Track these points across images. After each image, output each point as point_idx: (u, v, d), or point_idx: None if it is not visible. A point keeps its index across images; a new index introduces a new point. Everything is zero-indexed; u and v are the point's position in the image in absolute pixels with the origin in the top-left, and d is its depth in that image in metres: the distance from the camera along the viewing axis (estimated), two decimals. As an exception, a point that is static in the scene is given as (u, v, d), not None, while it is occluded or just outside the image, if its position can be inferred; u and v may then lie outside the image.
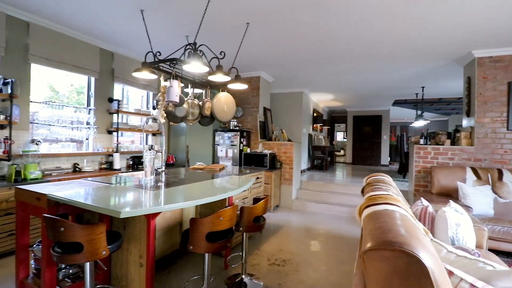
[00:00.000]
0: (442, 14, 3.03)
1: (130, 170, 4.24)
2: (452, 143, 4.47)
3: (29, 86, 3.41)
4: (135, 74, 2.89)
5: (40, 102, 3.55)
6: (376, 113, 10.85)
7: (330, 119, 12.75)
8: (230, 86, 3.42)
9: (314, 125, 8.87)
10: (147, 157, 2.34)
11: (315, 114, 8.87)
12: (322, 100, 9.26)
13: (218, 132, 5.51)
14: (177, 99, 2.80)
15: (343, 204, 5.16)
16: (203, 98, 3.48)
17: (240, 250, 3.00)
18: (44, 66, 3.53)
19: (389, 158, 10.85)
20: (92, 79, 4.18)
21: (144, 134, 5.31)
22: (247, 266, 2.54)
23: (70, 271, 2.05)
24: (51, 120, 3.65)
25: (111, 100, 4.41)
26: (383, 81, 6.35)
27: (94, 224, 1.53)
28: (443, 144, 4.39)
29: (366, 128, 11.00)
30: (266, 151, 5.16)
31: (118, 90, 4.74)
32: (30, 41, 3.37)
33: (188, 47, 2.86)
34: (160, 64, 2.99)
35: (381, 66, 5.12)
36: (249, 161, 5.21)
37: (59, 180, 3.19)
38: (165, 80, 2.95)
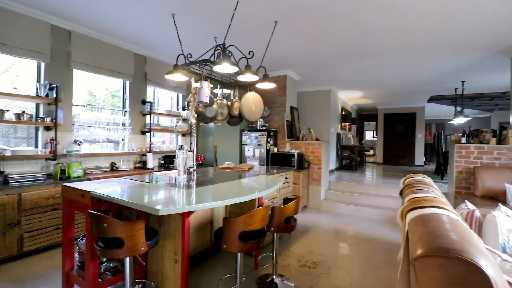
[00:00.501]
0: None
1: (162, 169, 4.39)
2: (498, 142, 4.10)
3: (71, 90, 3.65)
4: (167, 77, 2.99)
5: (81, 105, 3.79)
6: (409, 110, 10.31)
7: (359, 118, 12.33)
8: (258, 85, 3.41)
9: (343, 124, 8.62)
10: (180, 157, 2.40)
11: (343, 113, 8.61)
12: (350, 98, 8.97)
13: (245, 132, 5.54)
14: (207, 100, 2.85)
15: (374, 206, 4.96)
16: (232, 98, 3.50)
17: (270, 250, 2.99)
18: (84, 72, 3.77)
19: (424, 158, 10.25)
20: (127, 82, 4.40)
21: (175, 134, 5.48)
22: (277, 267, 2.52)
23: (111, 264, 2.16)
24: (90, 122, 3.89)
25: (144, 102, 4.60)
26: (419, 76, 6.01)
27: (134, 221, 1.59)
28: (488, 143, 4.04)
29: (399, 127, 10.48)
30: (294, 151, 5.10)
31: (149, 93, 4.94)
32: (72, 49, 3.61)
33: (217, 48, 2.90)
34: (190, 66, 3.06)
35: (416, 59, 4.84)
36: (276, 161, 5.18)
37: (99, 178, 3.38)
38: (196, 82, 3.01)
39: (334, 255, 3.13)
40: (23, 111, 3.06)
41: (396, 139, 10.51)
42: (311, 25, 3.47)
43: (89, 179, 3.28)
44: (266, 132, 5.31)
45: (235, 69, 2.71)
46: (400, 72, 5.69)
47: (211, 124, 5.58)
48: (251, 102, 3.59)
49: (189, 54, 2.90)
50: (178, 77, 3.03)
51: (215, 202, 1.73)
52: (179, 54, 3.01)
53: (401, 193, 1.99)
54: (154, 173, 3.12)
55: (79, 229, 3.13)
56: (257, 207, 2.77)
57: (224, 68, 2.71)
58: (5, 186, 2.64)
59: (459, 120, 7.10)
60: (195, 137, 2.78)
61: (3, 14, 2.99)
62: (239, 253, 1.94)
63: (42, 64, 3.38)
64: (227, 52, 2.77)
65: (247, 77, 3.05)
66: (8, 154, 2.96)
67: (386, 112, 10.64)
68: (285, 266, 2.81)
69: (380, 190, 5.31)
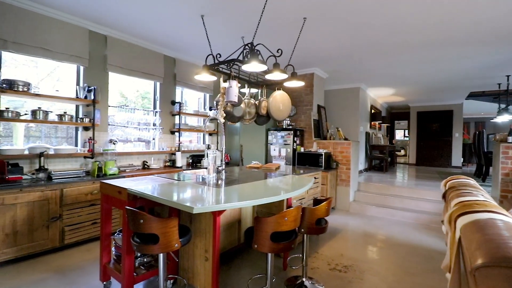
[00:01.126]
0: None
1: (190, 168, 4.49)
2: (553, 141, 3.70)
3: (107, 92, 3.84)
4: (197, 77, 3.04)
5: (115, 106, 3.98)
6: (445, 108, 9.69)
7: (389, 116, 11.80)
8: (287, 84, 3.36)
9: (372, 123, 8.29)
10: (210, 156, 2.43)
11: (372, 111, 8.28)
12: (380, 96, 8.61)
13: (271, 131, 5.50)
14: (236, 99, 2.85)
15: (408, 209, 4.70)
16: (259, 97, 3.49)
17: (299, 252, 2.93)
18: (118, 74, 3.95)
19: (461, 159, 9.58)
20: (158, 83, 4.55)
21: (202, 134, 5.59)
22: (307, 269, 2.46)
23: (145, 259, 2.24)
24: (123, 122, 4.07)
25: (173, 102, 4.73)
26: (457, 71, 5.61)
27: (168, 218, 1.62)
28: (540, 142, 3.66)
29: (433, 125, 9.90)
30: (321, 151, 4.98)
31: (177, 94, 5.07)
32: (108, 52, 3.79)
33: (245, 47, 2.90)
34: (219, 66, 3.09)
35: (454, 53, 4.52)
36: (303, 161, 5.09)
37: (132, 176, 3.53)
38: (224, 82, 3.03)
39: (366, 259, 3.00)
40: (65, 112, 3.27)
41: (431, 138, 9.92)
42: (342, 19, 3.36)
43: (124, 177, 3.43)
44: (292, 132, 5.23)
45: (263, 67, 2.69)
46: (436, 67, 5.35)
47: (237, 124, 5.61)
48: (279, 101, 3.55)
49: (218, 54, 2.92)
50: (207, 77, 3.06)
51: (246, 202, 1.72)
52: (208, 55, 3.05)
53: (443, 196, 1.85)
54: (184, 171, 3.18)
55: (115, 224, 3.28)
56: (286, 207, 2.73)
57: (252, 67, 2.70)
58: (49, 182, 2.83)
59: (503, 118, 6.54)
60: (223, 137, 2.80)
61: (47, 22, 3.21)
62: (269, 254, 1.91)
63: (81, 68, 3.59)
64: (255, 51, 2.76)
65: (276, 76, 3.02)
66: (51, 152, 3.17)
67: (420, 110, 10.08)
68: (315, 268, 2.74)
69: (414, 193, 5.02)
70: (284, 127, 5.50)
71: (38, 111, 3.04)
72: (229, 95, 2.84)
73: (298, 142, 5.39)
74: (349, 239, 3.61)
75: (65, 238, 2.91)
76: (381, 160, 7.65)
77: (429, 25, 3.44)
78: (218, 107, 2.94)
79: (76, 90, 3.46)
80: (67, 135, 3.67)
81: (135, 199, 1.97)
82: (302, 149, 5.31)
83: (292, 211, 1.74)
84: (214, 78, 3.08)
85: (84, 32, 3.55)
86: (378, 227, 4.13)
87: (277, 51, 3.04)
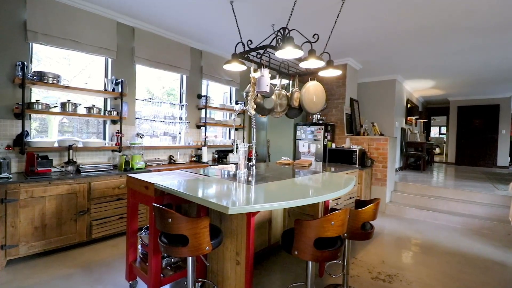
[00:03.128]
0: None
1: (216, 163, 4.34)
2: None
3: (135, 85, 3.78)
4: (225, 66, 2.84)
5: (143, 100, 3.91)
6: (490, 102, 8.82)
7: (425, 111, 10.99)
8: (322, 73, 3.07)
9: (408, 118, 7.70)
10: (240, 150, 2.23)
11: (409, 105, 7.69)
12: (417, 89, 7.97)
13: (300, 126, 5.22)
14: (267, 89, 2.63)
15: (455, 213, 4.23)
16: (292, 88, 3.23)
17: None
18: (145, 66, 3.87)
19: (509, 158, 8.67)
20: (184, 76, 4.43)
21: (228, 128, 5.43)
22: (348, 278, 2.19)
23: (172, 260, 2.09)
24: (149, 116, 3.99)
25: (199, 96, 4.60)
26: (509, 60, 4.97)
27: (199, 217, 1.44)
28: None
29: (476, 121, 9.05)
30: (355, 147, 4.62)
31: (202, 87, 4.94)
32: (135, 45, 3.72)
33: (278, 33, 2.65)
34: (249, 55, 2.88)
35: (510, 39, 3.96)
36: (334, 158, 4.77)
37: (159, 170, 3.43)
38: (255, 71, 2.81)
39: (412, 268, 2.66)
40: (93, 105, 3.22)
41: (473, 135, 9.09)
42: (383, 2, 3.00)
43: (150, 171, 3.34)
44: (323, 126, 4.92)
45: (299, 53, 2.44)
46: (487, 56, 4.77)
47: (264, 118, 5.39)
48: (312, 92, 3.28)
49: (249, 40, 2.70)
50: (236, 66, 2.86)
51: (287, 202, 1.49)
52: (238, 43, 2.84)
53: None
54: (211, 166, 3.02)
55: (141, 220, 3.20)
56: (324, 209, 2.47)
57: (287, 53, 2.45)
58: (77, 176, 2.78)
59: None
60: (254, 130, 2.59)
61: (76, 14, 3.16)
62: (310, 262, 1.67)
63: (109, 61, 3.53)
64: (289, 36, 2.50)
65: (311, 64, 2.75)
66: (80, 145, 3.14)
67: (461, 104, 9.26)
68: (355, 276, 2.46)
69: (460, 195, 4.52)
70: (313, 121, 5.20)
71: (67, 104, 3.01)
72: (261, 85, 2.62)
73: (329, 137, 5.06)
74: (389, 244, 3.27)
75: (93, 233, 2.86)
76: (418, 158, 7.08)
77: (493, 6, 2.98)
78: (248, 98, 2.73)
79: (104, 83, 3.41)
80: (97, 130, 3.65)
81: (162, 195, 1.82)
82: (333, 145, 4.98)
83: (340, 214, 1.48)
84: (243, 67, 2.87)
85: (112, 23, 3.49)
86: (420, 232, 3.74)
87: (313, 37, 2.77)
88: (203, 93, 4.73)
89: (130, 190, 2.09)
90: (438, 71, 5.89)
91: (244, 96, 2.90)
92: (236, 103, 5.26)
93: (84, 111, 3.19)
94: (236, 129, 5.36)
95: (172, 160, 4.10)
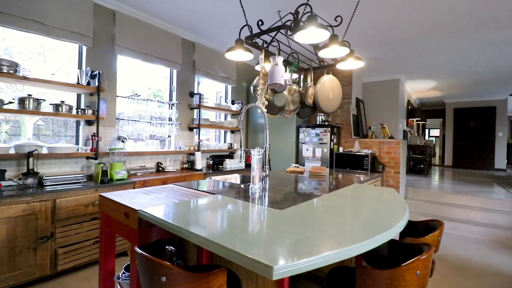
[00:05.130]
0: None
1: (211, 171, 3.78)
2: None
3: (116, 79, 3.17)
4: (228, 55, 2.31)
5: (126, 97, 3.30)
6: (487, 104, 8.70)
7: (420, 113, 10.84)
8: (341, 66, 2.60)
9: (409, 120, 7.41)
10: (255, 158, 1.70)
11: (409, 107, 7.40)
12: (416, 90, 7.71)
13: (303, 129, 4.73)
14: (282, 81, 2.12)
15: (475, 223, 3.85)
16: (307, 82, 2.74)
17: None
18: (129, 58, 3.27)
19: (506, 161, 8.55)
20: (174, 71, 3.86)
21: (222, 131, 4.88)
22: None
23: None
24: (134, 116, 3.39)
25: (192, 94, 4.04)
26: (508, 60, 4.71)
27: (211, 272, 0.89)
28: None
29: (472, 123, 8.91)
30: (366, 151, 4.19)
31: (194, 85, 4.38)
32: (117, 31, 3.12)
33: (296, 11, 2.15)
34: (256, 42, 2.36)
35: (539, 32, 3.65)
36: (342, 163, 4.32)
37: (145, 182, 2.84)
38: (265, 61, 2.29)
39: (441, 285, 2.20)
40: (62, 102, 2.60)
41: (470, 138, 8.93)
42: (414, -18, 2.58)
43: (134, 183, 2.75)
44: (329, 129, 4.45)
45: (324, 35, 1.94)
46: (497, 53, 4.47)
47: (262, 119, 4.87)
48: (328, 88, 2.80)
49: (260, 20, 2.18)
50: (241, 55, 2.33)
51: (357, 246, 0.96)
52: (243, 26, 2.32)
53: None
54: (212, 178, 2.46)
55: (121, 244, 2.60)
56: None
57: (309, 35, 1.95)
58: (39, 191, 2.16)
59: None
60: (267, 132, 2.07)
61: (40, -12, 2.55)
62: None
63: (84, 49, 2.93)
64: (312, 14, 2.01)
65: (332, 52, 2.26)
66: (44, 151, 2.51)
67: (457, 106, 9.10)
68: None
69: (477, 202, 4.16)
70: (317, 123, 4.74)
71: (27, 100, 2.38)
72: (274, 76, 2.10)
73: (335, 140, 4.61)
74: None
75: (58, 263, 2.24)
76: (420, 161, 6.77)
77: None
78: (258, 93, 2.21)
79: (78, 75, 2.79)
80: (67, 132, 3.02)
81: (150, 227, 1.26)
82: (341, 149, 4.53)
83: (427, 258, 0.98)
84: (249, 55, 2.34)
85: (88, 4, 2.88)
86: (444, 245, 3.31)
87: (335, 19, 2.29)
88: (196, 91, 4.17)
89: (104, 216, 1.52)
90: (444, 70, 5.58)
91: (252, 90, 2.38)
92: (233, 102, 4.72)
93: (50, 109, 2.57)
94: (232, 132, 4.83)
95: (160, 168, 3.50)
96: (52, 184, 2.37)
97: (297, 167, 3.07)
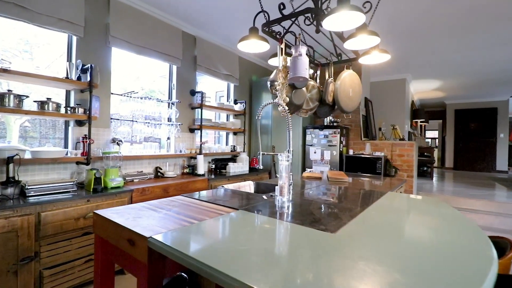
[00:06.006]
0: None
1: (213, 176, 3.48)
2: None
3: (110, 74, 2.84)
4: (241, 45, 2.03)
5: (122, 95, 2.97)
6: (488, 105, 8.62)
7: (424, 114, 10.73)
8: (365, 60, 2.35)
9: (413, 122, 7.24)
10: (283, 163, 1.41)
11: (413, 108, 7.23)
12: (419, 90, 7.55)
13: (310, 130, 4.47)
14: (307, 74, 1.84)
15: (495, 229, 3.65)
16: (327, 78, 2.46)
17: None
18: (124, 51, 2.95)
19: (507, 163, 8.48)
20: (174, 68, 3.54)
21: (224, 133, 4.58)
22: None
23: None
24: (129, 116, 3.06)
25: (193, 92, 3.72)
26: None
27: None
28: None
29: (473, 125, 8.82)
30: (379, 154, 3.95)
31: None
32: (111, 21, 2.80)
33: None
34: (272, 30, 2.08)
35: (560, 28, 3.48)
36: (352, 166, 4.07)
37: (143, 190, 2.52)
38: (285, 53, 2.01)
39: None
40: (48, 99, 2.26)
41: (471, 139, 8.84)
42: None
43: (131, 191, 2.42)
44: (339, 130, 4.20)
45: (358, 18, 1.67)
46: (499, 54, 4.32)
47: (268, 120, 4.60)
48: (348, 85, 2.53)
49: (281, 4, 1.90)
50: (256, 46, 2.05)
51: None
52: (258, 13, 2.03)
53: None
54: (227, 186, 2.15)
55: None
56: None
57: (340, 21, 1.68)
58: (20, 204, 1.82)
59: None
60: (290, 133, 1.78)
61: (23, -32, 2.21)
62: None
63: (74, 40, 2.59)
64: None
65: (361, 42, 2.00)
66: (27, 156, 2.17)
67: (458, 107, 9.01)
68: None
69: (493, 206, 3.96)
70: (325, 124, 4.48)
71: (6, 96, 2.04)
72: (298, 68, 1.82)
73: (344, 142, 4.36)
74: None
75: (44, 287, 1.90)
76: (425, 164, 6.60)
77: None
78: (277, 88, 1.92)
79: (67, 69, 2.46)
80: (55, 135, 2.68)
81: (163, 258, 0.95)
82: (350, 152, 4.28)
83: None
84: (266, 46, 2.07)
85: (78, -11, 2.56)
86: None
87: (363, 5, 2.03)
88: (197, 89, 3.86)
89: (99, 241, 1.20)
90: (451, 69, 5.41)
91: (269, 86, 2.09)
92: (235, 102, 4.43)
93: (34, 107, 2.23)
94: (235, 134, 4.53)
95: (159, 173, 3.18)
96: (36, 195, 2.03)
97: (313, 172, 2.79)
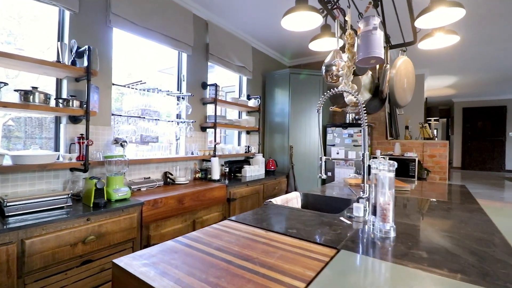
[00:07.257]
0: None
1: (227, 180, 3.01)
2: None
3: (111, 60, 2.34)
4: (285, 21, 1.57)
5: (124, 86, 2.46)
6: (497, 103, 8.42)
7: (438, 112, 10.46)
8: (428, 43, 1.93)
9: (427, 119, 6.92)
10: (382, 173, 0.97)
11: (426, 106, 6.92)
12: (430, 88, 7.26)
13: (331, 129, 4.04)
14: (382, 54, 1.40)
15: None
16: (385, 65, 2.03)
17: None
18: (128, 33, 2.44)
19: (516, 162, 8.30)
20: (184, 56, 3.05)
21: (237, 132, 4.11)
22: None
23: None
24: (133, 112, 2.56)
25: (205, 85, 3.24)
26: None
27: None
28: None
29: (482, 123, 8.60)
30: (411, 154, 3.56)
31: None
32: (112, -4, 2.30)
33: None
34: (328, 2, 1.64)
35: None
36: (381, 169, 3.66)
37: (155, 202, 2.04)
38: (345, 30, 1.57)
39: None
40: (34, 88, 1.75)
41: (479, 138, 8.63)
42: None
43: (141, 205, 1.94)
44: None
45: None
46: (552, 42, 4.00)
47: (284, 118, 4.13)
48: (403, 74, 2.12)
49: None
50: (304, 20, 1.60)
51: None
52: (308, -22, 1.58)
53: None
54: (273, 201, 1.67)
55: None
56: None
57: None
58: (-6, 229, 1.32)
59: None
60: (365, 130, 1.34)
61: None
62: None
63: (67, 15, 2.08)
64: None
65: (438, 18, 1.59)
66: (7, 163, 1.66)
67: (466, 106, 8.77)
68: None
69: (535, 212, 3.64)
70: (346, 122, 4.08)
71: (-23, 82, 1.52)
72: (371, 46, 1.38)
73: (369, 142, 3.96)
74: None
75: None
76: (440, 164, 6.27)
77: None
78: (341, 72, 1.48)
79: (58, 50, 1.95)
80: (43, 134, 2.17)
81: None
82: (377, 152, 3.88)
83: None
84: (318, 20, 1.61)
85: (72, -47, 2.05)
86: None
87: (443, -30, 1.60)
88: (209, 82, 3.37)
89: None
90: (470, 64, 5.09)
91: (323, 71, 1.63)
92: (249, 97, 3.97)
93: (16, 99, 1.71)
94: (248, 133, 4.06)
95: (169, 180, 2.69)
96: (19, 214, 1.52)
97: (356, 176, 2.37)
